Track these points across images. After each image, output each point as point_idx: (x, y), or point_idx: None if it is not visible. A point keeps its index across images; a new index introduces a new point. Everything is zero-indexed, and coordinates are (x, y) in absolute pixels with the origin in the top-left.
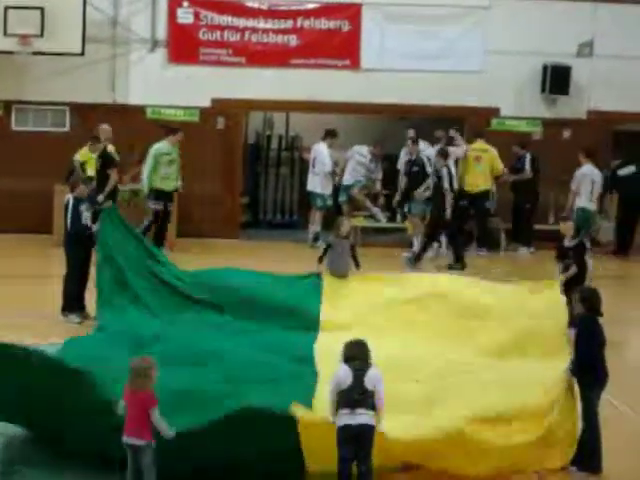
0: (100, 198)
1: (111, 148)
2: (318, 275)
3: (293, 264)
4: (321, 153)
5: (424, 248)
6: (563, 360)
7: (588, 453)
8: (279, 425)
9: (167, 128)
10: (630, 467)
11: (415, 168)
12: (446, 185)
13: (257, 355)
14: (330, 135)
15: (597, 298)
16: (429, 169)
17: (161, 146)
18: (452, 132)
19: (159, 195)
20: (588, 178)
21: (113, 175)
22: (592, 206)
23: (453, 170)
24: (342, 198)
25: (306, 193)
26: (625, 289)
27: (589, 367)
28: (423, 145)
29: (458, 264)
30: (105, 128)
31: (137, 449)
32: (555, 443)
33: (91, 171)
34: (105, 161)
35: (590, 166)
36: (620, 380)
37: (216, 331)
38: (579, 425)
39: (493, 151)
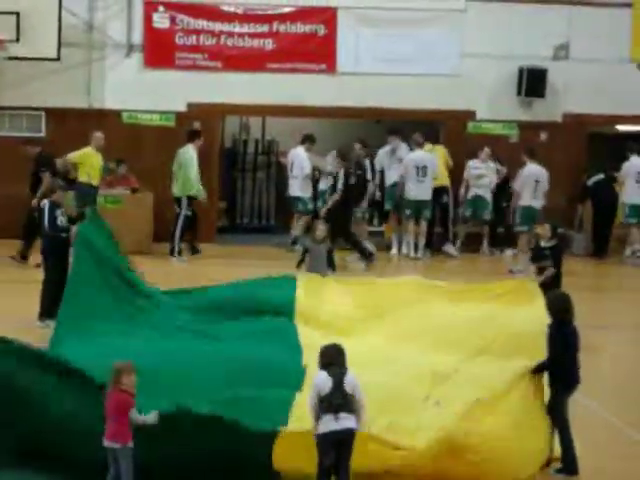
0: (34, 202)
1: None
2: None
3: (269, 268)
4: (298, 156)
5: (362, 249)
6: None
7: (563, 456)
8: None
9: (191, 133)
10: (606, 469)
11: (358, 172)
12: (340, 186)
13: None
14: (308, 140)
15: (565, 307)
16: (369, 175)
17: (193, 153)
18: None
19: (190, 201)
20: (532, 177)
21: (45, 178)
22: (537, 204)
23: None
24: (320, 204)
25: (283, 197)
26: (601, 294)
27: (561, 371)
28: (404, 146)
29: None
30: (97, 135)
31: (114, 452)
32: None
33: (82, 174)
34: (39, 163)
35: (534, 165)
36: (596, 383)
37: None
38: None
39: (441, 147)
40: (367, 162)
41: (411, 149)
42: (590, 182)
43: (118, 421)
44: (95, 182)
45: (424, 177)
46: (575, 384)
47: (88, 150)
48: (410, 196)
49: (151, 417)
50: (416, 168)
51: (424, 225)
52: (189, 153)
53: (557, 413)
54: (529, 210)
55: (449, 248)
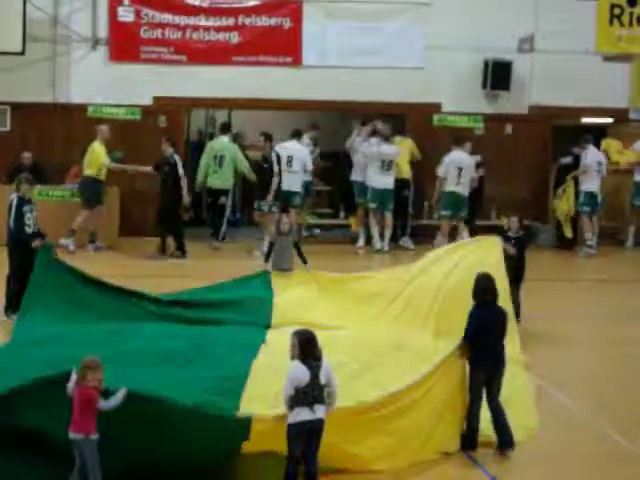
0: None
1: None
2: (266, 272)
3: (235, 262)
4: (299, 152)
5: (163, 241)
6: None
7: (466, 430)
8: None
9: (225, 125)
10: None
11: (265, 165)
12: (181, 171)
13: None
14: (297, 135)
15: (484, 288)
16: (276, 167)
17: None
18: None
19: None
20: (454, 164)
21: None
22: (460, 189)
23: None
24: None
25: (250, 192)
26: (566, 284)
27: (476, 351)
28: (374, 140)
29: (179, 252)
30: (103, 129)
31: (78, 443)
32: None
33: (92, 169)
34: None
35: (457, 152)
36: (562, 373)
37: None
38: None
39: (409, 141)
40: (274, 155)
41: (379, 142)
42: (562, 161)
43: (81, 413)
44: (103, 176)
45: (388, 171)
46: (490, 365)
47: (98, 146)
48: (377, 186)
49: (119, 396)
50: (382, 162)
51: (389, 217)
52: (230, 144)
53: (471, 388)
54: (451, 196)
55: (406, 242)
